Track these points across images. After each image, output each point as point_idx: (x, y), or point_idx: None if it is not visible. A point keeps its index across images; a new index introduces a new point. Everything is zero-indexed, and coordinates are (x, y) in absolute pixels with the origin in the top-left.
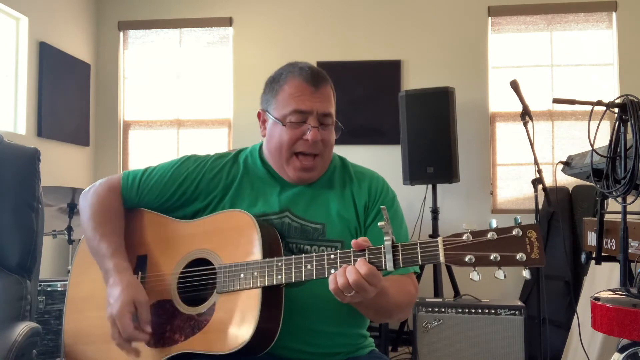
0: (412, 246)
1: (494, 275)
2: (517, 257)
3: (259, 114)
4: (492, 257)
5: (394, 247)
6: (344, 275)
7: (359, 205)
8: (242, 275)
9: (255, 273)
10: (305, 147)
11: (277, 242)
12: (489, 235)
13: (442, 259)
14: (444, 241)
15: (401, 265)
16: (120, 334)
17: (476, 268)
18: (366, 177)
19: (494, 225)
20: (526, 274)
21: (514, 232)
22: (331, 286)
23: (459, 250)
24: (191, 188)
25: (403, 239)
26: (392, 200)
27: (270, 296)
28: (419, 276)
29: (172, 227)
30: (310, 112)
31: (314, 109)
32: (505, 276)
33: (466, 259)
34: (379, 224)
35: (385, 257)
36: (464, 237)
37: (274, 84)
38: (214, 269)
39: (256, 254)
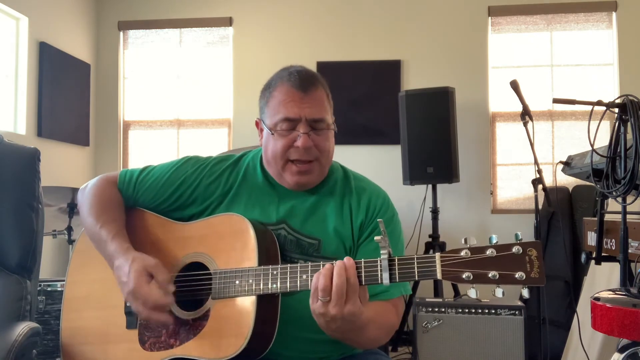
0: (409, 261)
1: (493, 294)
2: (517, 275)
3: (256, 123)
4: (490, 275)
5: (391, 261)
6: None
7: (355, 223)
8: (237, 282)
9: (251, 280)
10: (298, 155)
11: (274, 246)
12: (488, 252)
13: (439, 275)
14: (441, 257)
15: (397, 280)
16: (145, 306)
17: (474, 285)
18: (366, 193)
19: (494, 240)
20: (525, 292)
21: (513, 250)
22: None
23: (456, 267)
24: (187, 192)
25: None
26: (390, 219)
27: (266, 304)
28: (416, 282)
29: (169, 229)
30: (298, 119)
31: (302, 115)
32: (503, 294)
33: (464, 276)
34: (376, 238)
35: (381, 271)
36: (462, 253)
37: (265, 91)
38: (210, 274)
39: (252, 259)
